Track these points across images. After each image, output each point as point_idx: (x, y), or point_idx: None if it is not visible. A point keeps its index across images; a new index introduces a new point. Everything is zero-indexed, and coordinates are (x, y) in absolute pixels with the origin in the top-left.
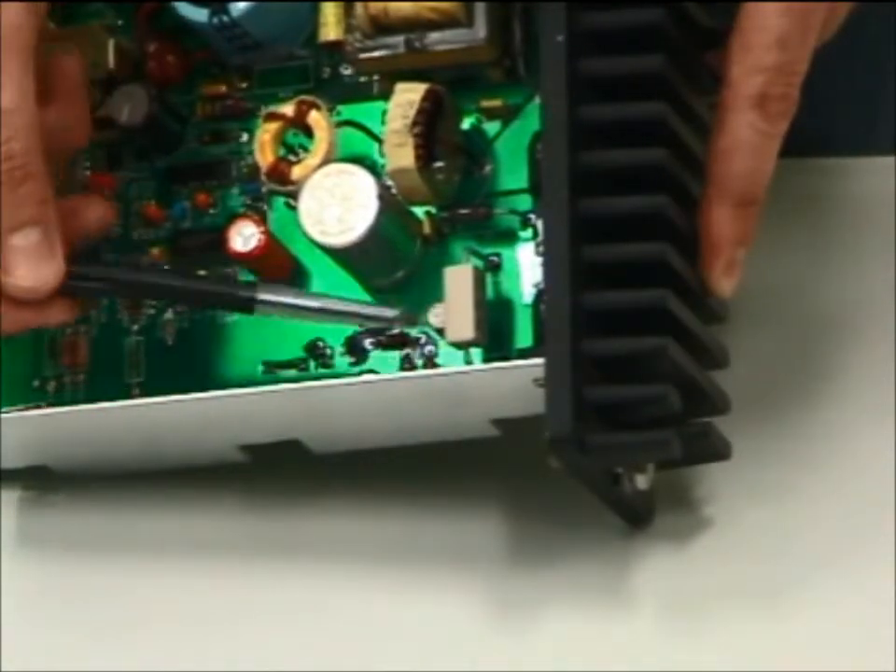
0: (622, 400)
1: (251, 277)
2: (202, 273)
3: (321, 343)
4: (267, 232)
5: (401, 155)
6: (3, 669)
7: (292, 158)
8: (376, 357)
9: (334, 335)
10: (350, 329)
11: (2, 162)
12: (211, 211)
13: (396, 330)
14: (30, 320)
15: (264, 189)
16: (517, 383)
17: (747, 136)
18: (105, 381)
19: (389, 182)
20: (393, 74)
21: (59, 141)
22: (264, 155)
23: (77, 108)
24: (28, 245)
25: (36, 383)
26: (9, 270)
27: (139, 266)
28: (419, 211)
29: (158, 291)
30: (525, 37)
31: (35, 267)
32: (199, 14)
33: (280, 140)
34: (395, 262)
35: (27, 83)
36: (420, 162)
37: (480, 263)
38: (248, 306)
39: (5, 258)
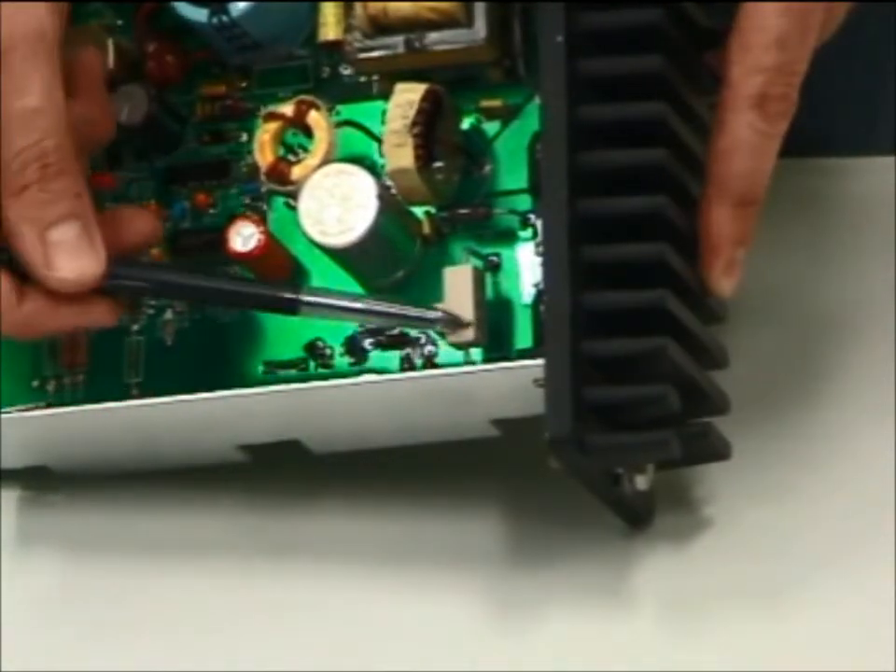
0: (621, 401)
1: (251, 276)
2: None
3: (321, 343)
4: (266, 232)
5: (401, 155)
6: (3, 669)
7: (292, 158)
8: (376, 356)
9: (334, 335)
10: (350, 328)
11: (35, 161)
12: (211, 211)
13: (396, 330)
14: (71, 320)
15: (264, 189)
16: (517, 383)
17: (746, 136)
18: (105, 381)
19: (389, 182)
20: (392, 74)
21: (85, 136)
22: (264, 155)
23: (100, 102)
24: (67, 239)
25: (36, 383)
26: (50, 264)
27: (179, 267)
28: (419, 211)
29: (202, 293)
30: (524, 37)
31: (75, 260)
32: (198, 14)
33: (280, 140)
34: (394, 262)
35: (55, 82)
36: (419, 163)
37: (479, 263)
38: (293, 308)
39: (46, 254)
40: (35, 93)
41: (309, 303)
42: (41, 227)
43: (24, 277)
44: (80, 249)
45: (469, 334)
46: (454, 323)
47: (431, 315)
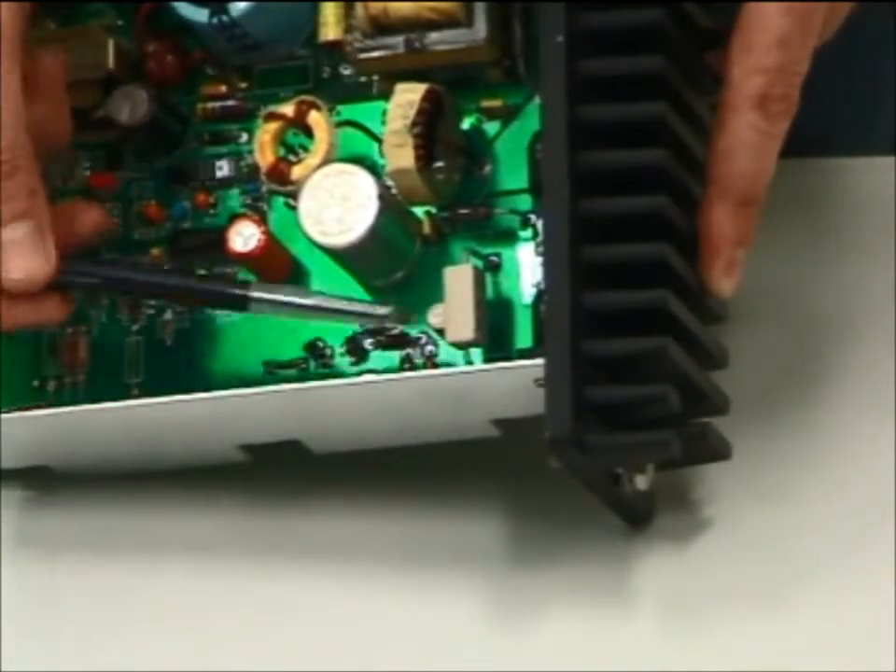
0: (621, 400)
1: (251, 277)
2: (200, 272)
3: (321, 343)
4: (267, 232)
5: (401, 155)
6: (3, 669)
7: (292, 158)
8: (376, 356)
9: (334, 335)
10: (350, 328)
11: None
12: (211, 211)
13: (396, 330)
14: (25, 316)
15: (264, 190)
16: (517, 383)
17: (747, 137)
18: (105, 381)
19: (389, 182)
20: (393, 74)
21: (43, 137)
22: (264, 155)
23: (59, 105)
24: (19, 238)
25: (36, 383)
26: (1, 264)
27: (133, 264)
28: (419, 211)
29: (149, 289)
30: (524, 37)
31: (26, 260)
32: (199, 14)
33: (280, 140)
34: (395, 262)
35: (11, 80)
36: (420, 163)
37: (480, 263)
38: (242, 304)
39: None
40: None
41: (257, 299)
42: None
43: None
44: (31, 250)
45: (465, 330)
46: (403, 319)
47: (381, 311)
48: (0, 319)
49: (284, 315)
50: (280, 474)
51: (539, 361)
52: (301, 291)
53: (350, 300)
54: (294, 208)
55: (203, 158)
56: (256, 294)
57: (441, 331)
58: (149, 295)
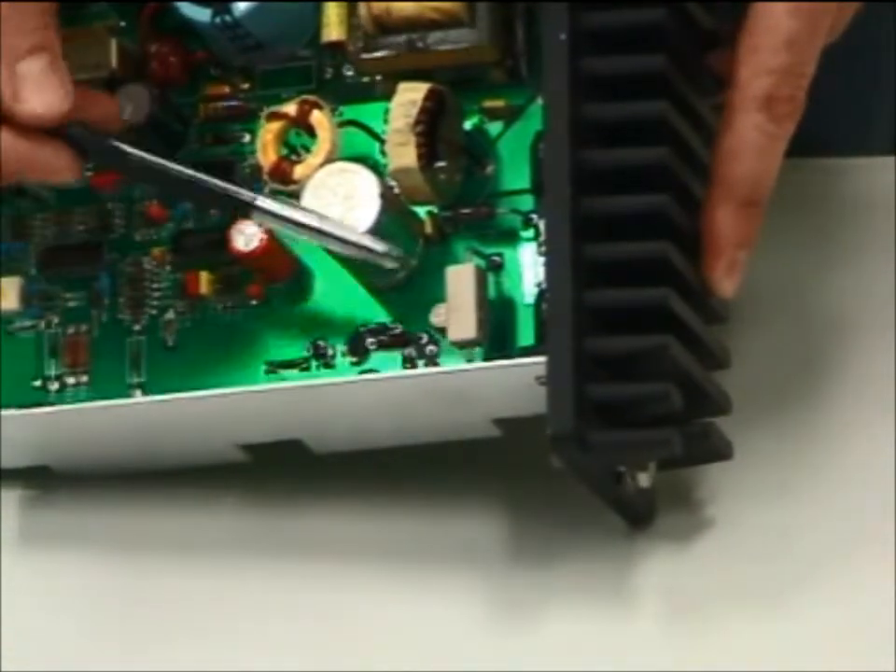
0: (623, 398)
1: (246, 276)
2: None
3: (323, 343)
4: (269, 232)
5: (404, 154)
6: (3, 669)
7: (294, 158)
8: (378, 356)
9: (336, 335)
10: (350, 328)
11: None
12: (213, 211)
13: (398, 330)
14: (37, 161)
15: (266, 190)
16: (519, 381)
17: (753, 138)
18: (107, 381)
19: (391, 182)
20: (395, 74)
21: None
22: (266, 155)
23: None
24: (35, 71)
25: (38, 383)
26: (17, 96)
27: (148, 149)
28: (421, 211)
29: (161, 175)
30: (527, 38)
31: (42, 92)
32: (202, 14)
33: (282, 140)
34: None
35: None
36: (422, 161)
37: (482, 263)
38: (245, 209)
39: (13, 86)
40: None
41: (262, 208)
42: (10, 59)
43: None
44: (47, 82)
45: (467, 329)
46: (400, 260)
47: (380, 246)
48: (9, 162)
49: (284, 229)
50: (280, 474)
51: (541, 359)
52: (308, 211)
53: (353, 230)
54: None
55: (204, 158)
56: (262, 203)
57: (442, 331)
58: (157, 180)
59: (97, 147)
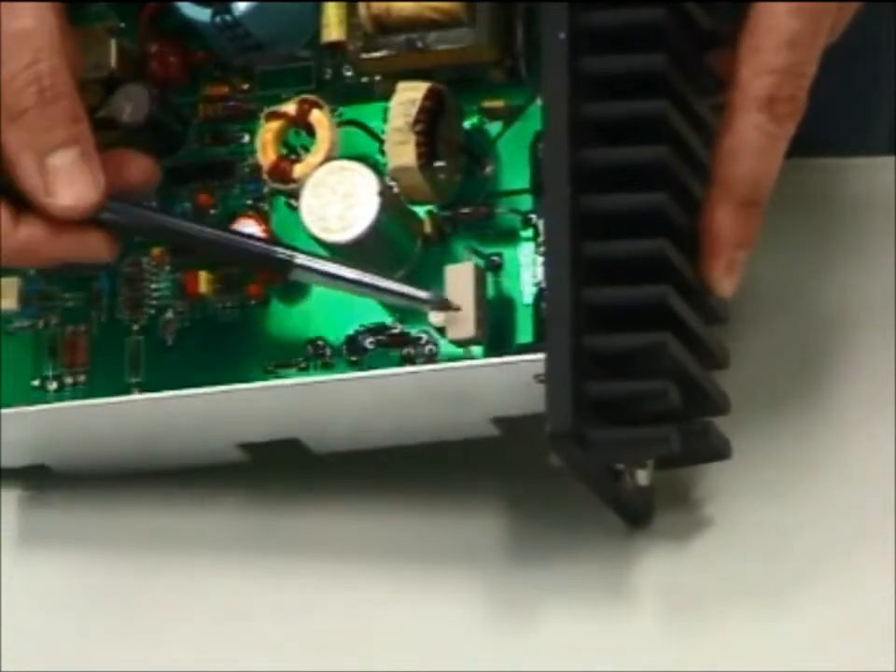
0: (622, 396)
1: (252, 277)
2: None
3: (321, 343)
4: (268, 231)
5: (403, 153)
6: (3, 669)
7: (294, 157)
8: (377, 356)
9: (335, 335)
10: (349, 327)
11: (31, 85)
12: (212, 211)
13: (397, 329)
14: (69, 249)
15: (266, 190)
16: (518, 379)
17: (753, 138)
18: (106, 380)
19: (391, 181)
20: (395, 74)
21: (81, 68)
22: (266, 154)
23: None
24: (66, 164)
25: (36, 382)
26: (49, 190)
27: (182, 214)
28: (420, 210)
29: (198, 242)
30: (526, 38)
31: (74, 186)
32: (201, 14)
33: (282, 139)
34: (395, 261)
35: (50, 8)
36: (422, 161)
37: (481, 263)
38: (285, 268)
39: (45, 180)
40: (28, 16)
41: (301, 266)
42: (41, 152)
43: (22, 203)
44: (79, 175)
45: (466, 328)
46: (443, 305)
47: (423, 294)
48: (44, 251)
49: (323, 286)
50: (279, 474)
51: (539, 357)
52: (344, 264)
53: (392, 279)
54: (296, 208)
55: (204, 158)
56: (300, 261)
57: (441, 330)
58: (195, 247)
59: (135, 223)
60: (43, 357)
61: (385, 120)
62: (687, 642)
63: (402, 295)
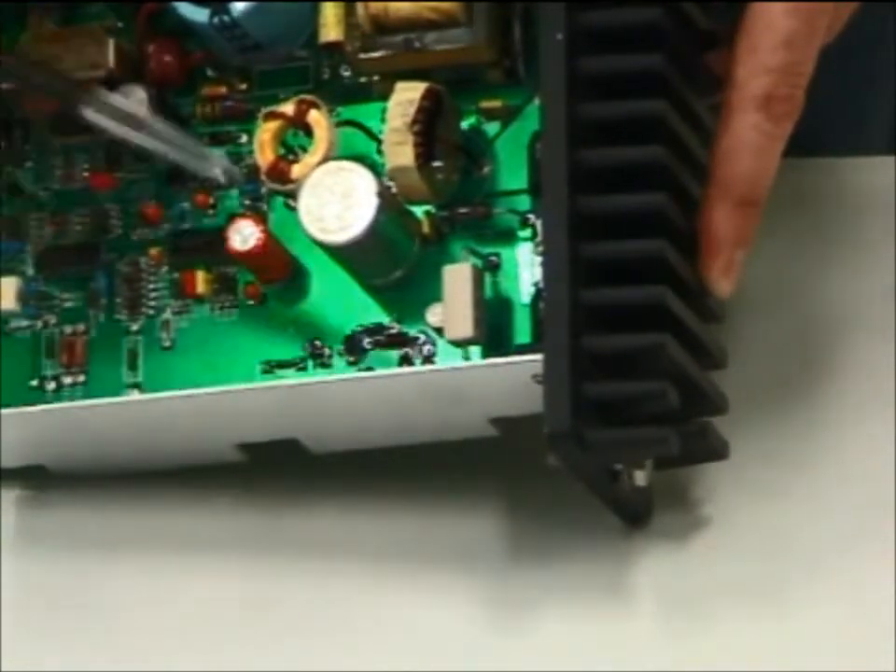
0: (620, 397)
1: (250, 277)
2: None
3: (319, 343)
4: (266, 231)
5: (401, 153)
6: (3, 669)
7: (292, 158)
8: (375, 356)
9: (333, 335)
10: (347, 327)
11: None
12: (210, 211)
13: (395, 329)
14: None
15: (264, 190)
16: (516, 379)
17: (751, 137)
18: (104, 381)
19: (389, 181)
20: (392, 74)
21: None
22: (264, 154)
23: None
24: None
25: (34, 382)
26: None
27: None
28: (418, 210)
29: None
30: (524, 38)
31: None
32: (199, 14)
33: (280, 139)
34: (394, 261)
35: None
36: (419, 161)
37: (479, 263)
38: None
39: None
40: None
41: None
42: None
43: None
44: None
45: (464, 328)
46: (230, 172)
47: (208, 151)
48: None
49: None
50: (278, 474)
51: (537, 357)
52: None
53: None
54: (294, 209)
55: None
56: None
57: (439, 330)
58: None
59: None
60: (41, 357)
61: (383, 121)
62: (686, 642)
63: (191, 153)
